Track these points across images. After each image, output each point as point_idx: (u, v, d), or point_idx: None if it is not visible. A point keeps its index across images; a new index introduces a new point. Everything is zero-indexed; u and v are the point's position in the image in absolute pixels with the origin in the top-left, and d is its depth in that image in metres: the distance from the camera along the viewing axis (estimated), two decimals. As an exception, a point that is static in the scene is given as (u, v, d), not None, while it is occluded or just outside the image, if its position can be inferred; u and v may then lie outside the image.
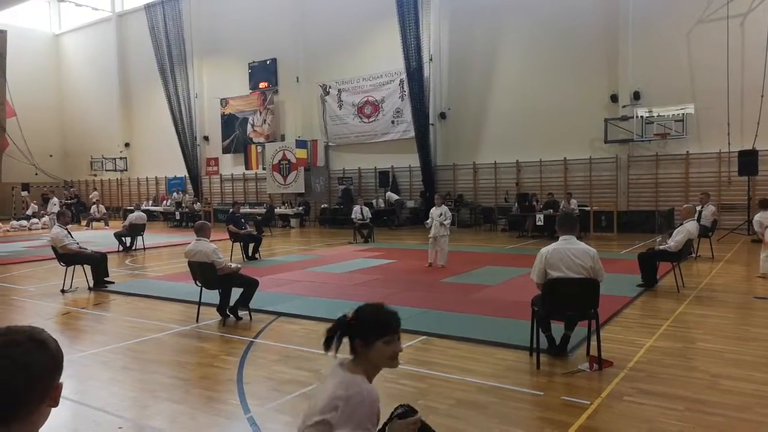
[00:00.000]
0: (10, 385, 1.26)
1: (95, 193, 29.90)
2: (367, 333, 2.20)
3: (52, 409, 1.37)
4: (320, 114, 24.44)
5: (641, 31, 17.66)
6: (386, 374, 4.93)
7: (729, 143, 16.18)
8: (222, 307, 7.09)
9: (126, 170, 31.76)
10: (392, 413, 2.20)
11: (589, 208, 16.70)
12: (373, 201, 21.59)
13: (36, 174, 30.95)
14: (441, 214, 11.02)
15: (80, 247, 9.74)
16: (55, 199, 23.91)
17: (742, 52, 16.23)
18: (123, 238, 15.13)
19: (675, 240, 8.46)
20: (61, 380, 1.39)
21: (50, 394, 1.34)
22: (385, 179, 22.18)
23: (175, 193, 27.39)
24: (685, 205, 9.62)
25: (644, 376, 4.74)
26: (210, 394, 4.72)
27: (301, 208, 23.59)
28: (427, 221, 11.38)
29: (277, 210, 23.11)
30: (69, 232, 9.67)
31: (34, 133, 30.64)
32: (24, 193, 29.36)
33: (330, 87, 24.02)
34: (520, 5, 19.62)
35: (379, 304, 2.30)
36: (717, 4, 16.50)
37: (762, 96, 15.61)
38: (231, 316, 7.08)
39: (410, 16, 20.53)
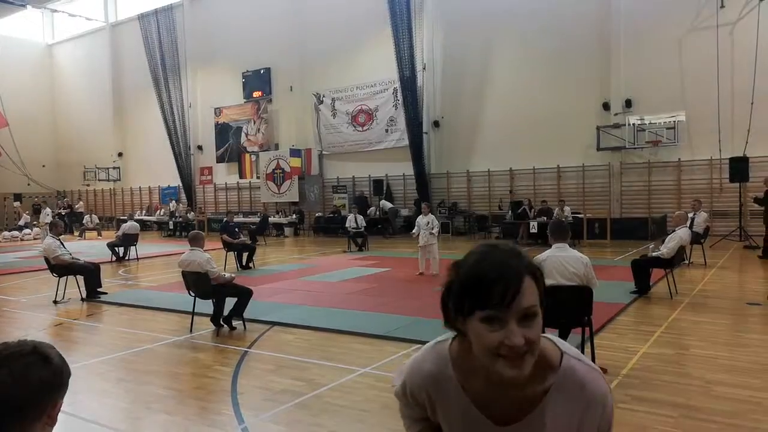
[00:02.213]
0: (6, 397, 1.24)
1: (80, 203, 29.77)
2: (460, 295, 1.29)
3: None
4: (314, 123, 24.48)
5: (633, 40, 17.82)
6: (379, 382, 4.93)
7: (720, 150, 16.30)
8: (216, 317, 7.06)
9: (119, 180, 31.66)
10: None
11: (582, 216, 16.76)
12: (369, 210, 21.60)
13: (28, 184, 30.79)
14: (428, 223, 10.99)
15: (73, 258, 9.69)
16: (48, 210, 23.79)
17: (732, 60, 16.39)
18: (116, 248, 15.06)
19: (668, 247, 8.50)
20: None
21: (48, 412, 1.30)
22: (380, 188, 22.21)
23: (172, 203, 27.31)
24: (677, 212, 9.67)
25: (638, 382, 4.75)
26: (204, 404, 4.69)
27: (295, 216, 23.57)
28: (414, 231, 11.36)
29: (271, 219, 23.07)
30: (62, 243, 9.62)
31: (26, 143, 30.51)
32: (16, 204, 29.19)
33: (324, 96, 24.08)
34: (513, 14, 19.75)
35: (496, 245, 1.34)
36: (707, 13, 16.68)
37: (752, 103, 15.75)
38: (225, 326, 7.05)
39: (404, 25, 20.65)
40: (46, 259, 9.53)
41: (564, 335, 5.38)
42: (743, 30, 16.22)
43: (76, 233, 24.42)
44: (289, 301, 8.72)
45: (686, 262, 10.94)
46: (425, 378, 1.44)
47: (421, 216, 11.23)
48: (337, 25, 23.23)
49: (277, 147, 25.58)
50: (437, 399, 1.43)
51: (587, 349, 5.05)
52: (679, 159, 17.37)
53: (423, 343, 5.95)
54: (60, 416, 1.34)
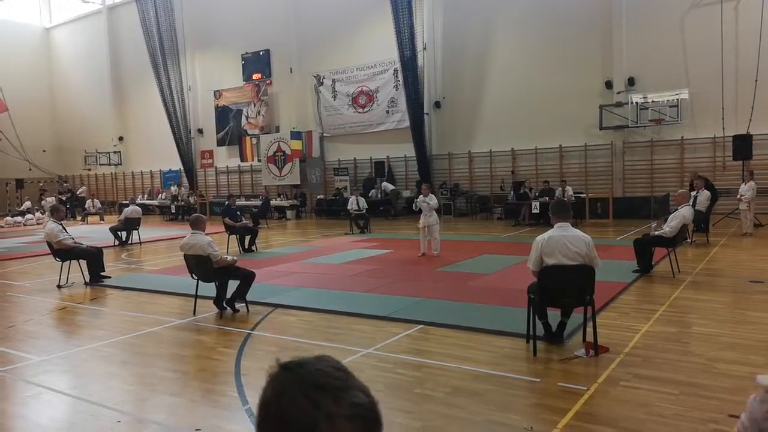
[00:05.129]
0: None
1: (83, 188, 29.75)
2: None
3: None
4: (314, 105, 24.35)
5: (635, 17, 17.61)
6: (381, 363, 4.96)
7: (723, 128, 16.18)
8: (219, 300, 7.09)
9: (120, 164, 31.62)
10: None
11: (584, 195, 16.72)
12: (371, 192, 21.55)
13: (30, 169, 30.78)
14: (429, 203, 11.03)
15: (75, 242, 9.70)
16: (49, 200, 23.71)
17: (736, 36, 16.20)
18: (119, 233, 15.09)
19: (670, 225, 8.49)
20: None
21: None
22: (381, 169, 22.15)
23: (173, 187, 27.30)
24: (680, 191, 9.63)
25: (640, 361, 4.77)
26: (208, 386, 4.73)
27: (297, 199, 23.55)
28: (416, 203, 11.45)
29: (273, 202, 23.06)
30: (64, 227, 9.63)
31: (26, 128, 30.42)
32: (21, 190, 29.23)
33: (324, 77, 23.91)
34: (513, -8, 19.53)
35: None
36: (711, -11, 16.45)
37: (756, 80, 15.60)
38: (228, 308, 7.08)
39: (403, 5, 20.40)
40: (49, 244, 9.55)
41: (566, 314, 5.39)
42: (748, 6, 16.00)
43: (78, 218, 24.46)
44: (292, 284, 8.75)
45: (689, 240, 10.93)
46: None
47: (421, 197, 11.23)
48: (337, 6, 22.99)
49: (277, 129, 25.47)
50: None
51: (589, 328, 5.07)
52: (682, 137, 17.26)
53: (425, 323, 5.99)
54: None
